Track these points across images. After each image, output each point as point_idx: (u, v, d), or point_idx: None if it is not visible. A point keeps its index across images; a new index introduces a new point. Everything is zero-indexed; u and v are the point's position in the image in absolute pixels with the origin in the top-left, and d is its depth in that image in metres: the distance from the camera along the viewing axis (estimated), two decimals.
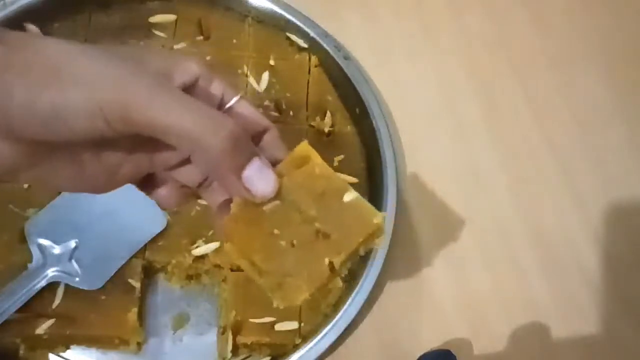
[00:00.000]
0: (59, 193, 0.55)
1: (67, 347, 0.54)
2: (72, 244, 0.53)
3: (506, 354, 0.57)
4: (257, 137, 0.37)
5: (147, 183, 0.37)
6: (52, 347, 0.53)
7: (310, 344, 0.53)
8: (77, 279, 0.53)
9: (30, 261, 0.54)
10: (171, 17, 0.63)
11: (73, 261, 0.53)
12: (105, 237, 0.54)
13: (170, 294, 0.57)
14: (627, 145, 0.64)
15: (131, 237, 0.55)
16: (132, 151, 0.35)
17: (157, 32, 0.63)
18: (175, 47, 0.62)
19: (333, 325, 0.54)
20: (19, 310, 0.52)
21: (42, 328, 0.52)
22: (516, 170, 0.63)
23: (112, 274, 0.54)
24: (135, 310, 0.53)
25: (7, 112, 0.30)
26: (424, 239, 0.60)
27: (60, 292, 0.53)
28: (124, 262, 0.54)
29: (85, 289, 0.53)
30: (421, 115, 0.64)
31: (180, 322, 0.56)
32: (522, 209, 0.61)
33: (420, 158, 0.63)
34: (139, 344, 0.55)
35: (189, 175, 0.37)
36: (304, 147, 0.37)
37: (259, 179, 0.34)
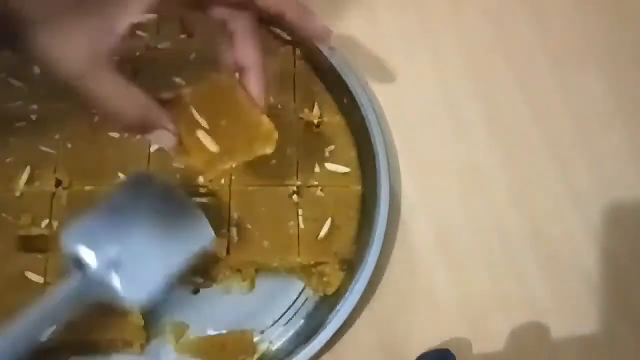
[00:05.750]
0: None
1: (71, 354, 0.54)
2: (113, 252, 0.45)
3: (505, 353, 0.57)
4: None
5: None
6: (56, 355, 0.53)
7: (306, 343, 0.53)
8: (118, 291, 0.45)
9: (28, 269, 0.53)
10: (152, 17, 0.63)
11: (113, 272, 0.45)
12: (149, 248, 0.46)
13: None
14: (627, 145, 0.64)
15: (177, 249, 0.47)
16: None
17: (139, 33, 0.62)
18: (159, 46, 0.62)
19: (328, 324, 0.54)
20: None
21: (45, 335, 0.51)
22: (516, 170, 0.63)
23: (158, 288, 0.46)
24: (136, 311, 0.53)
25: None
26: (422, 239, 0.60)
27: None
28: (169, 273, 0.47)
29: (127, 304, 0.46)
30: (419, 115, 0.64)
31: (180, 332, 0.56)
32: (522, 209, 0.61)
33: (418, 157, 0.63)
34: (142, 345, 0.55)
35: None
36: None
37: None
